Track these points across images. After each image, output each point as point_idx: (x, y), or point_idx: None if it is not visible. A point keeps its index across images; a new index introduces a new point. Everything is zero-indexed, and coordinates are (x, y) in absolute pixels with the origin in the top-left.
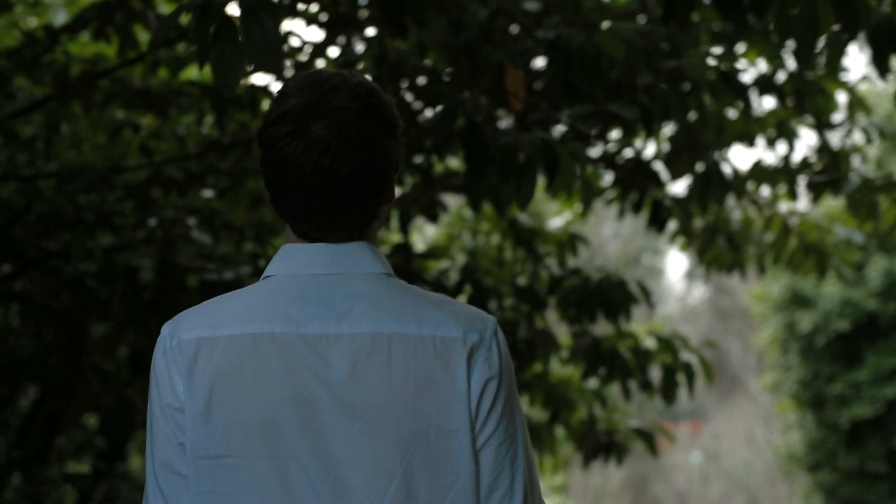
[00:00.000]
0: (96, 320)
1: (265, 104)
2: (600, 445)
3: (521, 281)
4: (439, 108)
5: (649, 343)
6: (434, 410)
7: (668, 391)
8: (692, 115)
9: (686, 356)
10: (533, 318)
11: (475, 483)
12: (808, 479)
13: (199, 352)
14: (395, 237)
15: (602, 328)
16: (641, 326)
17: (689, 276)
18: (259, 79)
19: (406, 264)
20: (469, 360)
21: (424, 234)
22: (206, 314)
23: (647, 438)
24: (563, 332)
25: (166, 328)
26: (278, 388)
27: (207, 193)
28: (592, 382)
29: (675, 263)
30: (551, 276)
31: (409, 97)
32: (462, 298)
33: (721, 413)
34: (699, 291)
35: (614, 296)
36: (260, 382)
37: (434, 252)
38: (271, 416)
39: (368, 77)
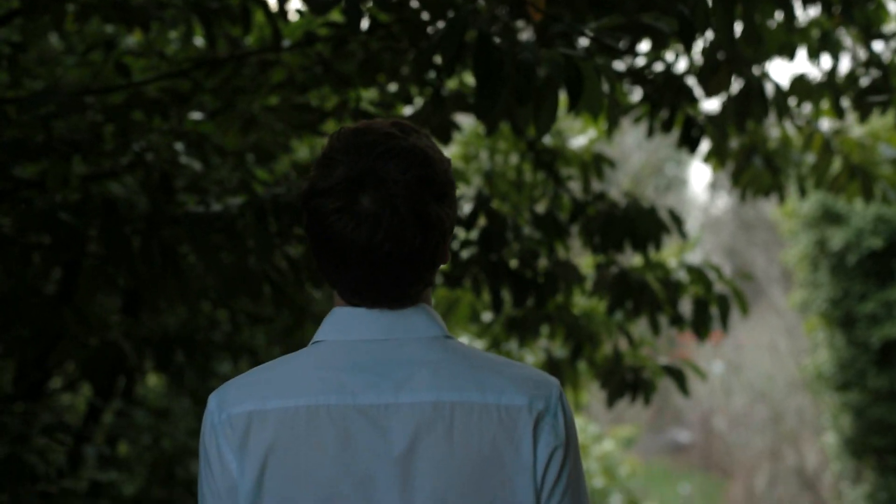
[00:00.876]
0: (76, 257)
1: (259, 16)
2: (626, 383)
3: (542, 206)
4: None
5: (680, 274)
6: (499, 483)
7: (701, 325)
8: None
9: (719, 288)
10: (554, 246)
11: None
12: (836, 399)
13: (250, 426)
14: None
15: (628, 258)
16: (669, 248)
17: (713, 186)
18: None
19: None
20: (535, 429)
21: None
22: (255, 384)
23: (677, 376)
24: (586, 263)
25: (213, 401)
26: (334, 464)
27: (195, 116)
28: (618, 316)
29: (699, 174)
30: (574, 201)
31: (415, 3)
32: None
33: (744, 324)
34: (723, 202)
35: (643, 224)
36: (315, 458)
37: None
38: (327, 494)
39: (423, 132)
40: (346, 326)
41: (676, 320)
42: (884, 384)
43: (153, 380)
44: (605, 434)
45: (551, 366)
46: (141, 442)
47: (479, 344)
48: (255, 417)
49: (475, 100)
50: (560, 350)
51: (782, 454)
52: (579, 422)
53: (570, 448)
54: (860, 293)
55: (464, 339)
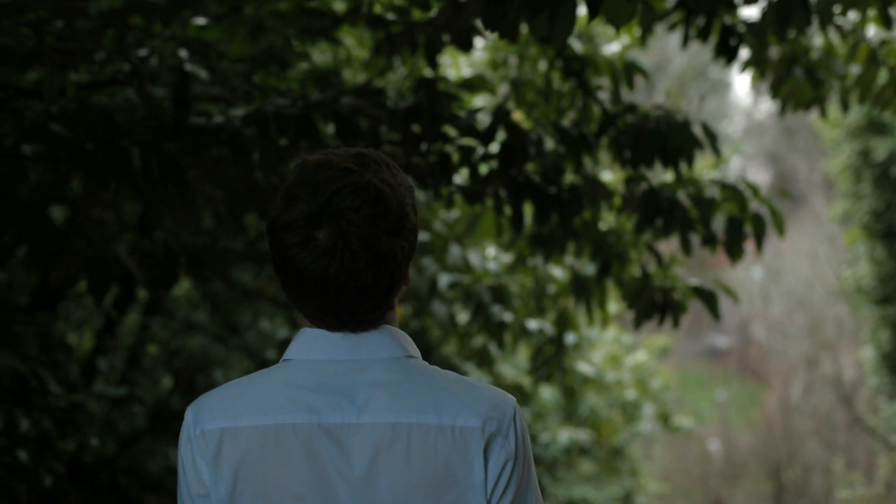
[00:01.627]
0: (71, 170)
1: None
2: (655, 304)
3: (570, 117)
4: None
5: (714, 191)
6: (453, 499)
7: (734, 246)
8: None
9: (755, 206)
10: (581, 161)
11: None
12: (875, 313)
13: (222, 442)
14: (424, 70)
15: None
16: (703, 161)
17: (757, 90)
18: None
19: (431, 102)
20: (486, 450)
21: (470, 60)
22: (228, 402)
23: (709, 299)
24: (615, 179)
25: (189, 414)
26: (300, 477)
27: (199, 21)
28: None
29: (743, 77)
30: (604, 112)
31: None
32: (496, 144)
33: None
34: (766, 106)
35: (675, 138)
36: (283, 471)
37: (471, 83)
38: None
39: (382, 161)
40: (313, 347)
41: (709, 240)
42: None
43: (181, 289)
44: (640, 344)
45: (577, 283)
46: (160, 352)
47: (505, 258)
48: (226, 434)
49: (485, 8)
50: (587, 267)
51: (819, 363)
52: (612, 332)
53: (517, 461)
54: None
55: (490, 251)
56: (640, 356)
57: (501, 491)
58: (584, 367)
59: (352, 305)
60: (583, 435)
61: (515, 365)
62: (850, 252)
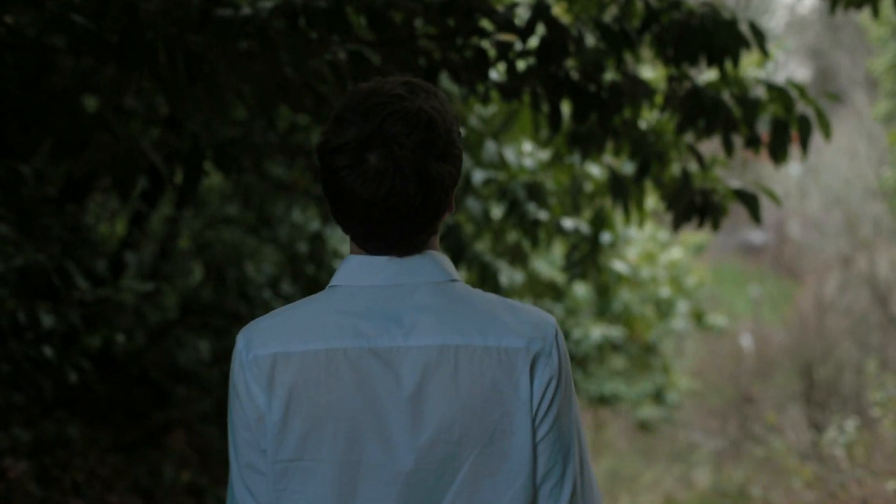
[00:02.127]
0: (95, 62)
1: None
2: (694, 206)
3: (612, 12)
4: None
5: (759, 92)
6: (499, 416)
7: (778, 148)
8: None
9: (801, 107)
10: (623, 57)
11: (533, 476)
12: None
13: (275, 366)
14: None
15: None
16: (748, 58)
17: None
18: None
19: None
20: (532, 368)
21: None
22: (279, 327)
23: (750, 202)
24: (657, 76)
25: (241, 340)
26: (351, 400)
27: None
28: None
29: None
30: (647, 7)
31: None
32: (535, 40)
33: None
34: (810, 0)
35: (721, 36)
36: (334, 395)
37: None
38: (345, 426)
39: (432, 92)
40: (359, 273)
41: (752, 142)
42: None
43: (213, 181)
44: (675, 241)
45: (615, 182)
46: (191, 245)
47: (541, 155)
48: (279, 359)
49: None
50: (625, 166)
51: (855, 261)
52: (648, 228)
53: (561, 379)
54: None
55: (526, 147)
56: (676, 253)
57: (546, 407)
58: (618, 265)
59: (400, 228)
60: (615, 331)
61: (550, 262)
62: (892, 152)
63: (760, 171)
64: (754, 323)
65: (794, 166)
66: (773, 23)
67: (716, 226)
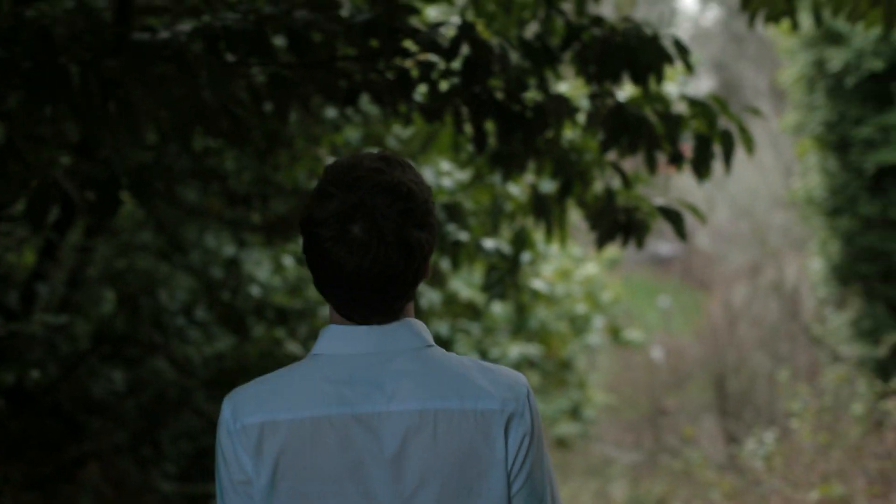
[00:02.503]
0: (6, 88)
1: None
2: (618, 225)
3: (532, 30)
4: None
5: (681, 108)
6: (475, 475)
7: (702, 164)
8: None
9: (723, 122)
10: (544, 76)
11: None
12: (825, 224)
13: (262, 435)
14: None
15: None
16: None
17: None
18: None
19: (390, 16)
20: (506, 429)
21: None
22: (264, 397)
23: (674, 219)
24: (575, 87)
25: (227, 409)
26: (337, 463)
27: None
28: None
29: None
30: (567, 24)
31: None
32: (458, 60)
33: None
34: (713, 13)
35: (644, 53)
36: (320, 459)
37: None
38: (331, 488)
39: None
40: (341, 342)
41: (675, 158)
42: (875, 210)
43: (124, 207)
44: (589, 257)
45: (538, 202)
46: (103, 273)
47: (460, 175)
48: (266, 427)
49: None
50: (545, 184)
51: (763, 271)
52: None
53: (534, 436)
54: (857, 117)
55: (444, 166)
56: (591, 269)
57: (521, 463)
58: (537, 284)
59: (383, 294)
60: (532, 349)
61: (468, 282)
62: (802, 164)
63: (671, 183)
64: (665, 335)
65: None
66: (679, 35)
67: (640, 244)
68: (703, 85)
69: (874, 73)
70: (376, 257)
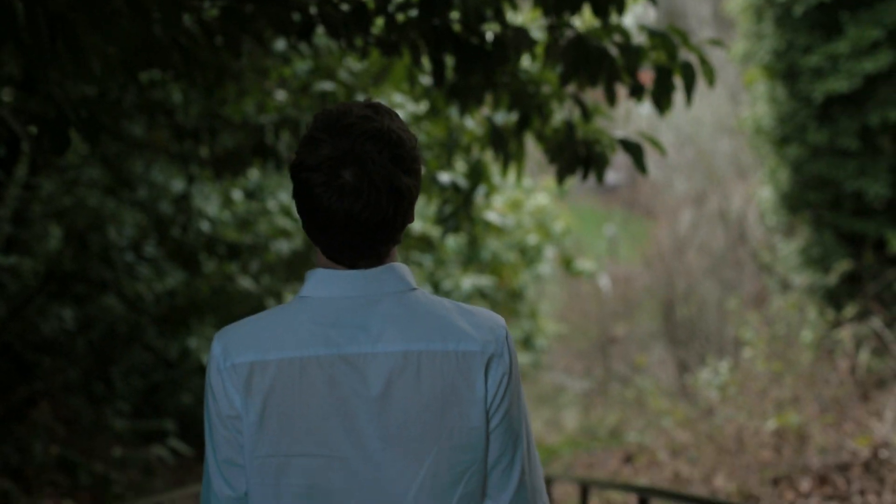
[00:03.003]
0: None
1: None
2: (578, 158)
3: None
4: None
5: (641, 39)
6: (457, 414)
7: (662, 95)
8: None
9: (685, 54)
10: (502, 8)
11: (486, 461)
12: (774, 153)
13: (252, 373)
14: None
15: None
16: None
17: None
18: None
19: None
20: (486, 369)
21: None
22: (254, 337)
23: (635, 151)
24: (530, 18)
25: (217, 347)
26: (323, 401)
27: None
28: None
29: None
30: None
31: None
32: None
33: None
34: None
35: None
36: (308, 397)
37: None
38: (318, 425)
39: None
40: (327, 285)
41: (636, 90)
42: (824, 139)
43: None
44: (539, 186)
45: (496, 135)
46: (49, 210)
47: (412, 108)
48: (256, 367)
49: None
50: (498, 116)
51: (709, 198)
52: (513, 176)
53: (511, 375)
54: (805, 45)
55: (398, 98)
56: (541, 199)
57: (499, 402)
58: (490, 216)
59: (371, 239)
60: (485, 280)
61: (421, 215)
62: (750, 93)
63: (615, 112)
64: (613, 263)
65: (644, 106)
66: None
67: (600, 177)
68: (647, 14)
69: (822, 2)
70: (367, 202)
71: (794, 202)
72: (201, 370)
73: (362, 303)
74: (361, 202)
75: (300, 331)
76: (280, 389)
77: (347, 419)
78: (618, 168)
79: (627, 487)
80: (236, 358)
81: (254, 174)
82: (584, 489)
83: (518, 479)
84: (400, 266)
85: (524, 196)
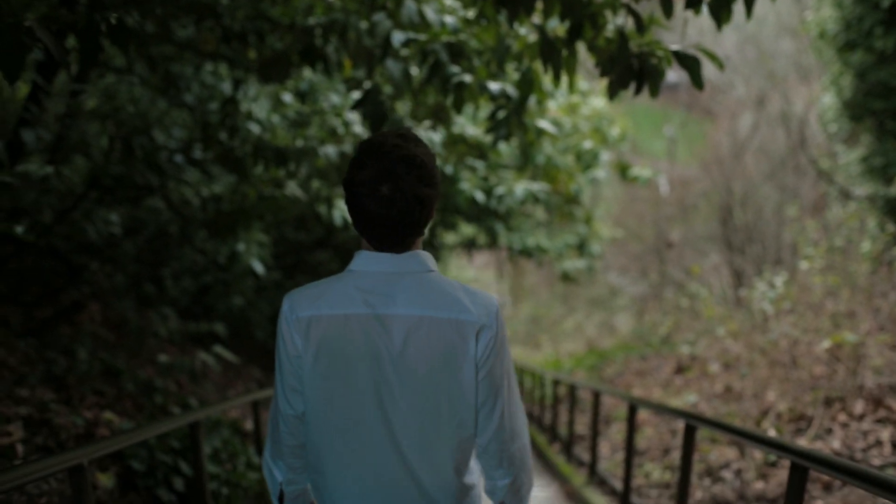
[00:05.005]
0: None
1: None
2: (631, 70)
3: None
4: None
5: None
6: (455, 367)
7: (722, 7)
8: None
9: None
10: None
11: (475, 403)
12: (838, 59)
13: (310, 324)
14: None
15: None
16: None
17: None
18: None
19: None
20: (477, 335)
21: None
22: (313, 298)
23: (691, 65)
24: None
25: (286, 305)
26: (360, 346)
27: None
28: None
29: None
30: None
31: None
32: None
33: None
34: None
35: None
36: (349, 343)
37: None
38: (354, 364)
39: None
40: (369, 263)
41: (693, 1)
42: (890, 45)
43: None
44: (595, 90)
45: (546, 45)
46: (95, 116)
47: (467, 13)
48: (313, 320)
49: None
50: (554, 22)
51: (768, 101)
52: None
53: (497, 342)
54: None
55: (447, 1)
56: (598, 103)
57: (485, 360)
58: (542, 124)
59: (402, 233)
60: (538, 186)
61: (475, 120)
62: None
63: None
64: (670, 166)
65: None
66: None
67: (654, 92)
68: None
69: None
70: (399, 209)
71: (856, 110)
72: (252, 274)
73: (392, 277)
74: (396, 209)
75: (346, 295)
76: (330, 337)
77: (375, 362)
78: (676, 66)
79: (676, 412)
80: (300, 313)
81: (307, 74)
82: (633, 408)
83: (498, 421)
84: (422, 253)
85: (580, 100)
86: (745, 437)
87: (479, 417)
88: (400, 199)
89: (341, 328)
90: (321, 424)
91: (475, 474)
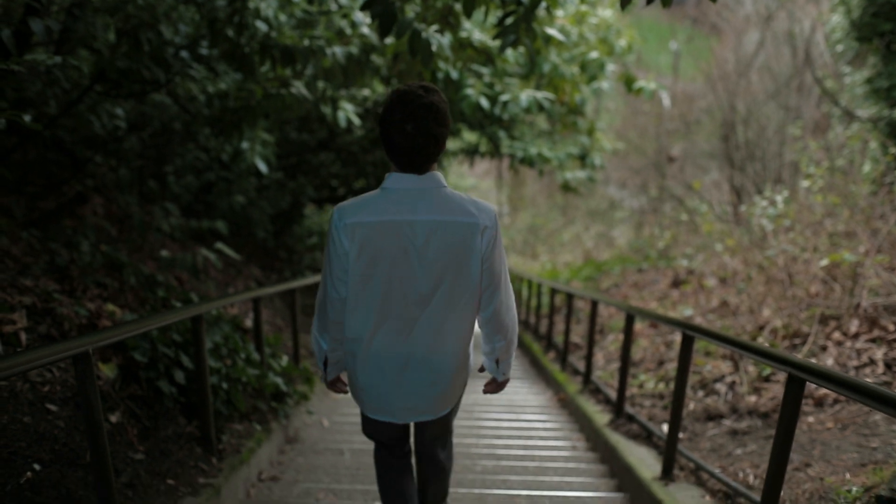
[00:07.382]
0: None
1: None
2: None
3: None
4: None
5: None
6: (465, 257)
7: None
8: None
9: None
10: None
11: (480, 286)
12: None
13: (355, 228)
14: None
15: None
16: None
17: None
18: None
19: None
20: (482, 234)
21: None
22: (357, 208)
23: None
24: None
25: (336, 214)
26: (394, 245)
27: None
28: None
29: None
30: None
31: None
32: None
33: None
34: None
35: None
36: (384, 242)
37: None
38: (389, 258)
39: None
40: (397, 182)
41: None
42: None
43: None
44: (604, 0)
45: None
46: (101, 8)
47: None
48: (357, 225)
49: None
50: None
51: (775, 18)
52: None
53: (495, 238)
54: None
55: None
56: (605, 13)
57: (487, 254)
58: (551, 31)
59: (421, 160)
60: (543, 94)
61: (482, 25)
62: None
63: None
64: (674, 80)
65: None
66: None
67: (667, 1)
68: None
69: None
70: (420, 142)
71: (864, 30)
72: (255, 174)
73: (415, 193)
74: (418, 141)
75: (382, 206)
76: (370, 238)
77: (405, 256)
78: None
79: (674, 322)
80: (347, 220)
81: None
82: (630, 318)
83: (498, 299)
84: (437, 173)
85: (589, 9)
86: (742, 349)
87: (483, 297)
88: (420, 134)
89: (378, 231)
90: (360, 303)
91: (471, 347)
